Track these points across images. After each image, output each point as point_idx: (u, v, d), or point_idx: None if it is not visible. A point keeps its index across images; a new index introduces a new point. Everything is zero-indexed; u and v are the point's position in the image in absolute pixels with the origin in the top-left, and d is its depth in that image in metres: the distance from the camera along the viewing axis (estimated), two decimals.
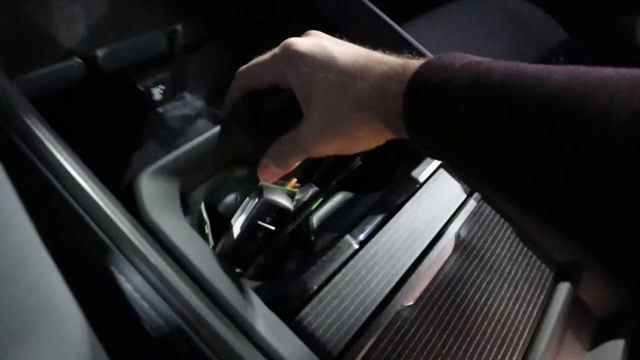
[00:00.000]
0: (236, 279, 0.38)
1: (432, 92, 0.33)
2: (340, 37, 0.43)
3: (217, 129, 0.46)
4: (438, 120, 0.33)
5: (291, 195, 0.49)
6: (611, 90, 0.26)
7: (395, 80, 0.35)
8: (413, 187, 0.51)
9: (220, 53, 0.65)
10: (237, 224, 0.41)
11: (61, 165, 0.34)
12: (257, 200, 0.41)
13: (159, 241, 0.37)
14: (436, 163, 0.54)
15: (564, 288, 0.52)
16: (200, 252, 0.37)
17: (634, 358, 0.52)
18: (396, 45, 0.52)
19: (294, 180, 0.56)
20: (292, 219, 0.53)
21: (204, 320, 0.33)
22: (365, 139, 0.40)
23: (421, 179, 0.51)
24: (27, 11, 0.47)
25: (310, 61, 0.39)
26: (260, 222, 0.43)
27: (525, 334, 0.47)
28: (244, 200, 0.44)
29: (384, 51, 0.40)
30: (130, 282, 0.34)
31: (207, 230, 0.47)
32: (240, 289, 0.37)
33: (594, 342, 0.54)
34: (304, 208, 0.53)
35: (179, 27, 0.59)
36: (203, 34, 0.62)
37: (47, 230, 0.26)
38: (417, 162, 0.53)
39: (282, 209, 0.46)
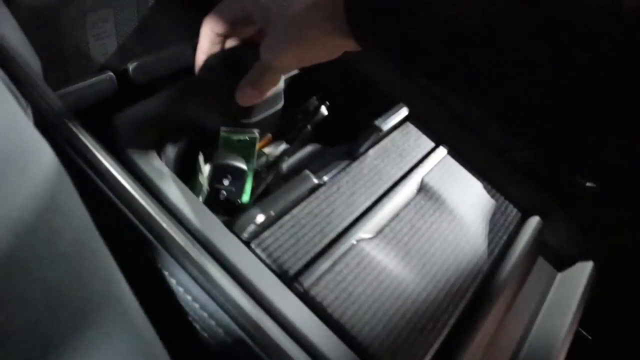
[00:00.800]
0: (203, 209, 0.41)
1: None
2: None
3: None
4: (379, 8, 0.36)
5: (251, 141, 0.52)
6: None
7: None
8: (377, 135, 0.53)
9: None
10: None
11: (106, 169, 0.39)
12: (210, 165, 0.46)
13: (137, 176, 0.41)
14: (402, 114, 0.56)
15: (527, 230, 0.54)
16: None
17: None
18: None
19: (269, 136, 0.59)
20: (267, 170, 0.56)
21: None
22: (320, 44, 0.42)
23: (384, 127, 0.53)
24: (64, 29, 0.51)
25: None
26: (217, 186, 0.47)
27: (487, 267, 0.49)
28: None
29: None
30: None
31: (203, 179, 0.51)
32: (205, 214, 0.41)
33: (564, 264, 0.55)
34: (275, 162, 0.56)
35: None
36: None
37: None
38: (381, 114, 0.56)
39: (236, 169, 0.50)
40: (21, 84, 0.37)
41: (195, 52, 0.51)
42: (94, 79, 0.50)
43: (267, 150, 0.58)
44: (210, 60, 0.51)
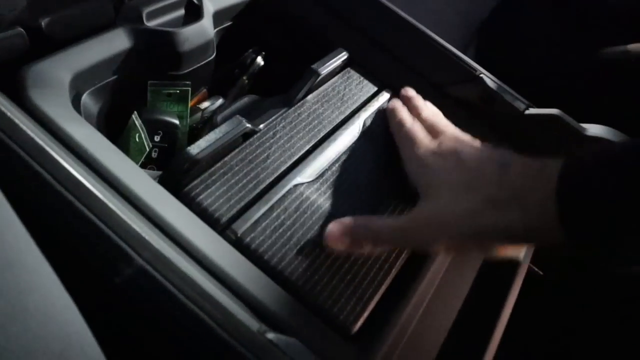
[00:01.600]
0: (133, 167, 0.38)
1: (593, 189, 0.32)
2: None
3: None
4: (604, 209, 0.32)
5: (182, 94, 0.50)
6: None
7: (535, 183, 0.35)
8: (316, 80, 0.51)
9: None
10: None
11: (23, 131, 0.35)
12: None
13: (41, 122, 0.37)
14: (341, 58, 0.54)
15: None
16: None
17: None
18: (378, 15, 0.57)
19: (204, 90, 0.56)
20: (203, 125, 0.54)
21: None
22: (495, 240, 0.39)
23: (323, 71, 0.51)
24: None
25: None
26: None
27: None
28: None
29: None
30: None
31: (142, 137, 0.47)
32: (134, 170, 0.38)
33: None
34: (211, 117, 0.54)
35: None
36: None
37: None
38: (320, 59, 0.53)
39: (168, 123, 0.48)
40: None
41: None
42: (0, 35, 0.46)
43: (202, 105, 0.55)
44: None
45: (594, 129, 0.55)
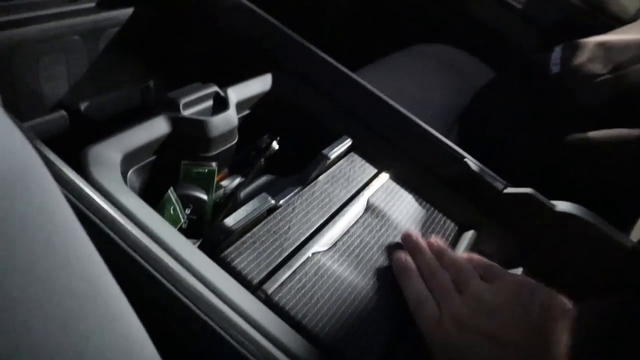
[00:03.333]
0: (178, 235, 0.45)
1: None
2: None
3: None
4: None
5: (210, 174, 0.57)
6: None
7: None
8: (325, 163, 0.59)
9: None
10: None
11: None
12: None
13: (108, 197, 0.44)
14: (346, 145, 0.63)
15: (463, 241, 0.61)
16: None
17: None
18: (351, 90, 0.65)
19: (226, 170, 0.64)
20: (225, 200, 0.61)
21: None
22: None
23: (331, 155, 0.59)
24: (17, 71, 0.55)
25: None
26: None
27: None
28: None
29: None
30: None
31: (178, 210, 0.54)
32: (180, 240, 0.45)
33: None
34: (232, 193, 0.61)
35: (151, 83, 0.68)
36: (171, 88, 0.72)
37: None
38: (328, 144, 0.62)
39: (197, 198, 0.55)
40: None
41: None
42: (47, 117, 0.54)
43: (223, 183, 0.62)
44: None
45: (563, 206, 0.63)
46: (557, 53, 1.04)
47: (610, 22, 1.31)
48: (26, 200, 0.23)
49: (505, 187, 0.64)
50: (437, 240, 0.54)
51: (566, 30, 1.34)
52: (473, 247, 0.61)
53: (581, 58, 0.99)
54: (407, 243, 0.54)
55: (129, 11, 0.70)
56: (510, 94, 1.14)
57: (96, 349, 0.23)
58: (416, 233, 0.55)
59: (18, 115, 0.52)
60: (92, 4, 0.67)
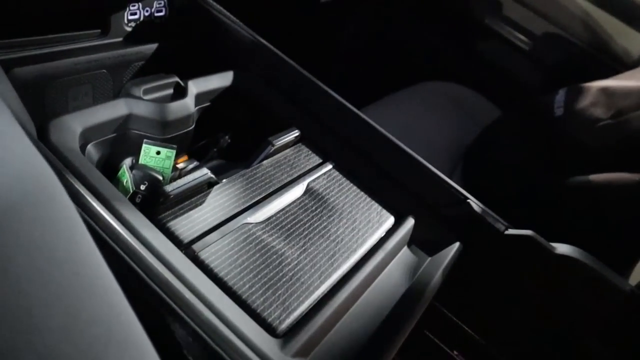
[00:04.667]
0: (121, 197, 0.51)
1: None
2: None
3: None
4: None
5: (168, 156, 0.63)
6: None
7: None
8: (270, 149, 0.65)
9: None
10: None
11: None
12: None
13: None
14: (294, 134, 0.68)
15: (402, 227, 0.65)
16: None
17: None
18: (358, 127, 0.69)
19: (185, 156, 0.70)
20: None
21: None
22: None
23: (277, 143, 0.65)
24: (49, 101, 0.63)
25: None
26: (136, 190, 0.57)
27: (359, 252, 0.59)
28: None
29: None
30: None
31: (130, 181, 0.60)
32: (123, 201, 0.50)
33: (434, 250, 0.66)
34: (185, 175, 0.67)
35: None
36: None
37: None
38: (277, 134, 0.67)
39: (154, 177, 0.61)
40: None
41: None
42: None
43: (180, 165, 0.68)
44: None
45: (562, 248, 0.66)
46: (561, 96, 1.09)
47: (613, 64, 1.37)
48: (52, 228, 0.25)
49: (506, 229, 0.67)
50: None
51: (571, 70, 1.40)
52: (410, 231, 0.66)
53: (584, 102, 1.04)
54: None
55: (153, 46, 0.76)
56: (515, 134, 1.19)
57: None
58: None
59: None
60: (120, 39, 0.73)
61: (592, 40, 1.42)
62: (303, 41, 1.35)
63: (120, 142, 0.62)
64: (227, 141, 0.70)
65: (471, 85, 1.44)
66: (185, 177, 0.55)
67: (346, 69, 1.64)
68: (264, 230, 0.56)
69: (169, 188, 0.53)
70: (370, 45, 1.65)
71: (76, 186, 0.47)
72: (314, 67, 0.80)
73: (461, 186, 0.69)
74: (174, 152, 0.65)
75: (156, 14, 0.76)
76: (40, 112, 0.63)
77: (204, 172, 0.56)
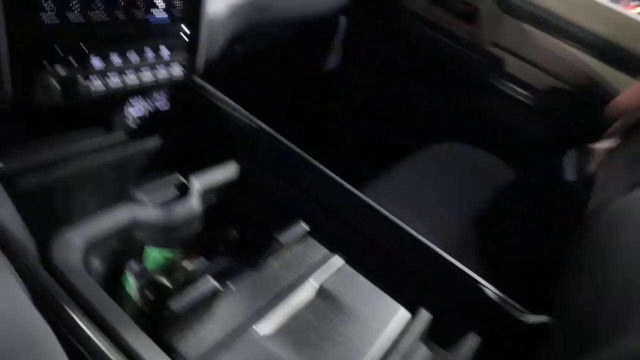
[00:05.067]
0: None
1: None
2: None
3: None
4: None
5: (172, 260, 0.62)
6: None
7: None
8: (276, 246, 0.63)
9: None
10: None
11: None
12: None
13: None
14: (301, 229, 0.67)
15: (417, 323, 0.63)
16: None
17: None
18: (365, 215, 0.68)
19: (193, 254, 0.69)
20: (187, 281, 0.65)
21: None
22: None
23: (284, 240, 0.64)
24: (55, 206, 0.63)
25: None
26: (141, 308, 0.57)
27: (369, 355, 0.57)
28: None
29: None
30: None
31: (134, 290, 0.59)
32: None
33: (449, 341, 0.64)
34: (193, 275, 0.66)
35: None
36: None
37: None
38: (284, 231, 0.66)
39: (160, 285, 0.60)
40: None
41: None
42: None
43: (187, 266, 0.67)
44: None
45: None
46: (570, 160, 1.08)
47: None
48: None
49: (521, 314, 0.65)
50: None
51: (577, 123, 1.39)
52: (426, 326, 0.64)
53: (594, 166, 1.02)
54: None
55: (155, 140, 0.76)
56: (525, 200, 1.18)
57: None
58: None
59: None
60: (123, 134, 0.72)
61: (597, 92, 1.42)
62: (304, 106, 1.35)
63: (124, 246, 0.61)
64: (234, 235, 0.69)
65: (481, 146, 1.43)
66: (190, 289, 0.53)
67: (351, 135, 1.64)
68: (274, 343, 0.54)
69: (174, 305, 0.51)
70: (369, 109, 1.65)
71: (77, 320, 0.46)
72: (314, 132, 0.79)
73: (475, 260, 0.66)
74: (179, 254, 0.64)
75: (158, 108, 0.76)
76: (45, 217, 0.63)
77: (208, 282, 0.55)
